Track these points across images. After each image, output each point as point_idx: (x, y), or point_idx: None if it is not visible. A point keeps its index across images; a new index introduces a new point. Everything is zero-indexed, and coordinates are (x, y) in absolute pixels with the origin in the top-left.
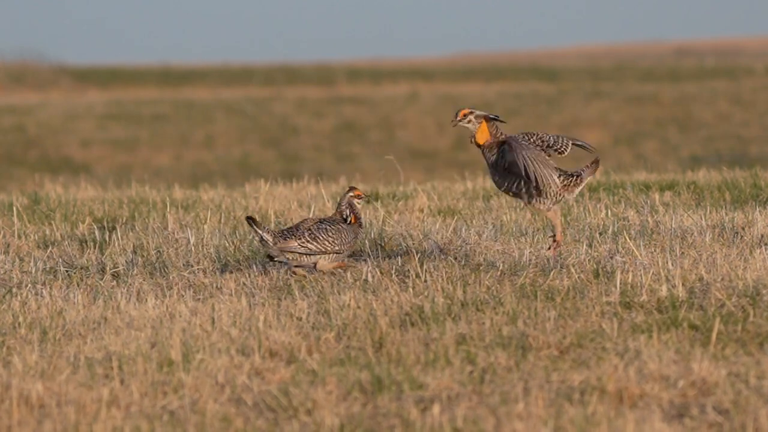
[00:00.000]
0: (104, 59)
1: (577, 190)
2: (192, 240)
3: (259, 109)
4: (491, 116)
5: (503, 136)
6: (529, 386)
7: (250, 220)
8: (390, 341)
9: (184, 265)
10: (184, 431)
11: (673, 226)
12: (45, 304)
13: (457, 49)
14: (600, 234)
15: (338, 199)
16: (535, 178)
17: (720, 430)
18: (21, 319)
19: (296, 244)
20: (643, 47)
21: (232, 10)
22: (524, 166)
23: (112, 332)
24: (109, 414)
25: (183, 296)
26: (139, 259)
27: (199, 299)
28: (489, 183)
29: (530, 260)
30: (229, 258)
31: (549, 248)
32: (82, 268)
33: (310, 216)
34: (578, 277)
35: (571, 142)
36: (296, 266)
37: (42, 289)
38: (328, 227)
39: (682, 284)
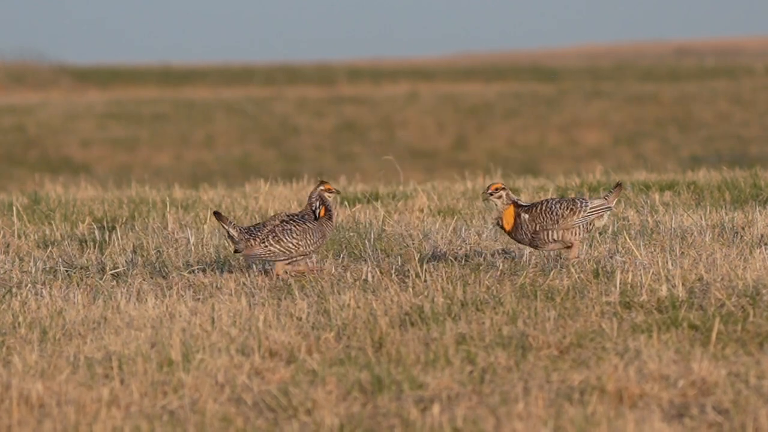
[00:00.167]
0: (104, 59)
1: (606, 216)
2: (192, 240)
3: (259, 108)
4: (519, 202)
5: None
6: (529, 386)
7: (217, 215)
8: (390, 341)
9: (183, 265)
10: (184, 431)
11: (673, 225)
12: (45, 303)
13: (458, 49)
14: (600, 234)
15: (309, 193)
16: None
17: (720, 429)
18: (21, 318)
19: (260, 250)
20: (643, 47)
21: (232, 10)
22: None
23: (111, 332)
24: (109, 414)
25: (183, 296)
26: (139, 259)
27: (198, 299)
28: (489, 181)
29: (530, 260)
30: (229, 258)
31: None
32: (81, 268)
33: (281, 212)
34: (578, 277)
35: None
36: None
37: (42, 288)
38: (293, 228)
39: (682, 284)
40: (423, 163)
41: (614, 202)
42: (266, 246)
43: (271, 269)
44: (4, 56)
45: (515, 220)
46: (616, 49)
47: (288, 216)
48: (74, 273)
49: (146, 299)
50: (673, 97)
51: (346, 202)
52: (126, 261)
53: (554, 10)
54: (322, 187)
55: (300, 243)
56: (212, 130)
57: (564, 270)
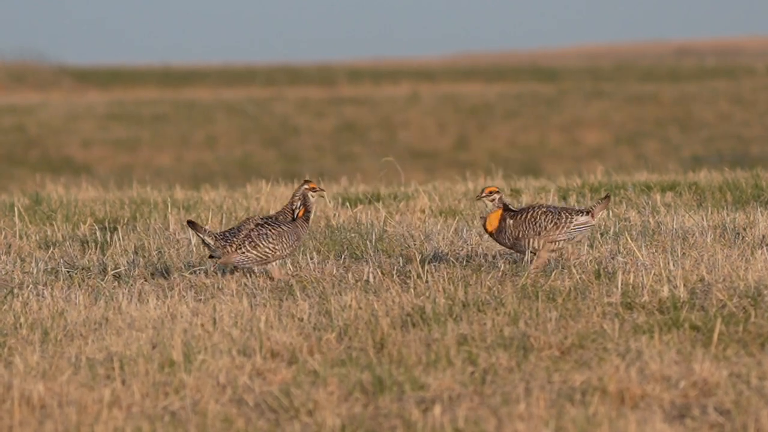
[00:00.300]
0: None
1: (582, 218)
2: (193, 241)
3: (260, 109)
4: (510, 207)
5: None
6: (530, 387)
7: (191, 224)
8: (391, 342)
9: (185, 265)
10: None
11: (675, 226)
12: (46, 304)
13: (458, 50)
14: (601, 235)
15: (293, 191)
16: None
17: (721, 430)
18: (22, 319)
19: (238, 257)
20: (643, 47)
21: (232, 10)
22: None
23: (113, 333)
24: (110, 414)
25: (184, 297)
26: (141, 259)
27: (200, 300)
28: (490, 184)
29: (531, 261)
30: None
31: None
32: (83, 269)
33: (255, 216)
34: (580, 278)
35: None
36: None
37: (43, 289)
38: (269, 232)
39: (684, 285)
40: (424, 163)
41: (599, 215)
42: (243, 252)
43: (267, 273)
44: (5, 56)
45: (500, 223)
46: (616, 49)
47: (262, 219)
48: (76, 274)
49: (148, 300)
50: (674, 97)
51: (347, 203)
52: (127, 262)
53: (554, 10)
54: (306, 186)
55: (276, 247)
56: (213, 130)
57: (565, 271)
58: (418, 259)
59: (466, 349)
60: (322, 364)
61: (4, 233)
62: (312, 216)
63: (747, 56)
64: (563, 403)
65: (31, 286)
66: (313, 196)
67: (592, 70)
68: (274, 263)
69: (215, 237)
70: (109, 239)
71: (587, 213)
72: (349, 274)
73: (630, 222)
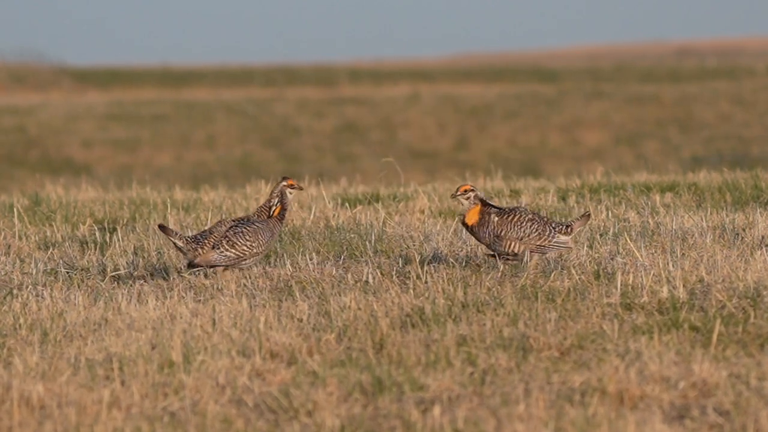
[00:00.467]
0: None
1: (563, 237)
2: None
3: (259, 109)
4: (488, 202)
5: (494, 219)
6: (529, 387)
7: (162, 228)
8: (391, 342)
9: (184, 266)
10: None
11: (674, 227)
12: (46, 305)
13: (458, 50)
14: (601, 235)
15: (271, 188)
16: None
17: (721, 431)
18: (22, 320)
19: (216, 255)
20: (643, 47)
21: (232, 10)
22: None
23: (112, 333)
24: (109, 415)
25: (184, 297)
26: (140, 260)
27: (199, 300)
28: (490, 184)
29: (531, 261)
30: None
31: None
32: (82, 270)
33: (226, 219)
34: (579, 279)
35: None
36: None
37: (43, 290)
38: (244, 230)
39: (683, 285)
40: (424, 163)
41: (578, 230)
42: (222, 251)
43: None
44: (5, 57)
45: (481, 217)
46: (616, 49)
47: (234, 221)
48: (75, 274)
49: (147, 301)
50: (674, 98)
51: (347, 204)
52: (127, 262)
53: (555, 10)
54: (285, 183)
55: (253, 244)
56: (213, 130)
57: (565, 271)
58: (417, 260)
59: (465, 349)
60: (322, 365)
61: (3, 234)
62: (287, 214)
63: (747, 57)
64: (562, 403)
65: (30, 286)
66: (291, 193)
67: (593, 70)
68: (249, 262)
69: (186, 240)
70: (108, 240)
71: (568, 227)
72: (349, 275)
73: (629, 222)
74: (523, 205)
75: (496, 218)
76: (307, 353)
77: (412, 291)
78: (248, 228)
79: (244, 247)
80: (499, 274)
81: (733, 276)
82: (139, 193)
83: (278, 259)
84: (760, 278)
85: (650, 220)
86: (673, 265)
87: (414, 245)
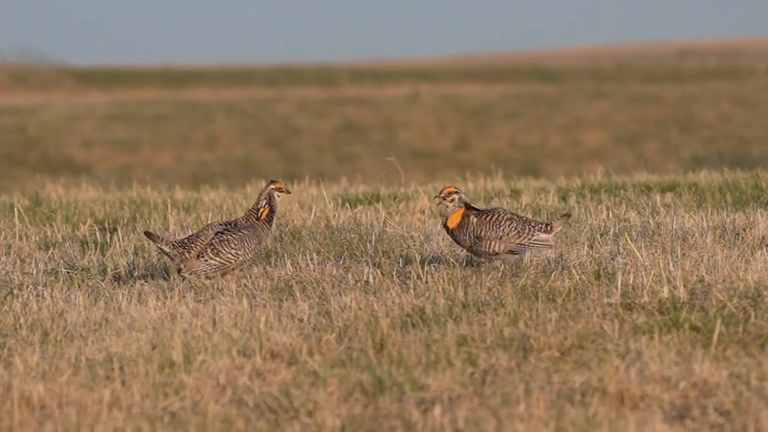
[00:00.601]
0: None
1: (543, 235)
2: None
3: (260, 109)
4: (472, 205)
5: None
6: (530, 387)
7: (148, 234)
8: (391, 342)
9: (174, 271)
10: None
11: (675, 227)
12: (46, 305)
13: (459, 50)
14: (601, 235)
15: (259, 191)
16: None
17: (721, 431)
18: (22, 320)
19: (202, 266)
20: (644, 48)
21: (233, 10)
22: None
23: (113, 333)
24: (110, 415)
25: (184, 297)
26: (141, 260)
27: (200, 300)
28: (490, 184)
29: (531, 261)
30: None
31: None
32: (83, 270)
33: (214, 222)
34: (579, 279)
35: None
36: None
37: (43, 290)
38: (230, 237)
39: (684, 285)
40: (424, 163)
41: (558, 229)
42: (206, 260)
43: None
44: (6, 57)
45: (462, 220)
46: (617, 50)
47: (221, 226)
48: (75, 274)
49: (147, 301)
50: (675, 98)
51: (347, 204)
52: (127, 262)
53: (555, 11)
54: (272, 186)
55: (239, 252)
56: (213, 130)
57: (565, 271)
58: (418, 260)
59: (465, 349)
60: (322, 365)
61: (3, 234)
62: (275, 217)
63: (748, 57)
64: (563, 403)
65: (30, 286)
66: (278, 196)
67: (594, 71)
68: (236, 269)
69: (172, 245)
70: (109, 240)
71: (548, 226)
72: (349, 275)
73: (630, 223)
74: (502, 207)
75: (475, 219)
76: (307, 353)
77: (412, 291)
78: (234, 235)
79: (229, 255)
80: (500, 274)
81: (733, 276)
82: (140, 193)
83: (279, 259)
84: (761, 278)
85: (651, 220)
86: (673, 265)
87: (414, 245)
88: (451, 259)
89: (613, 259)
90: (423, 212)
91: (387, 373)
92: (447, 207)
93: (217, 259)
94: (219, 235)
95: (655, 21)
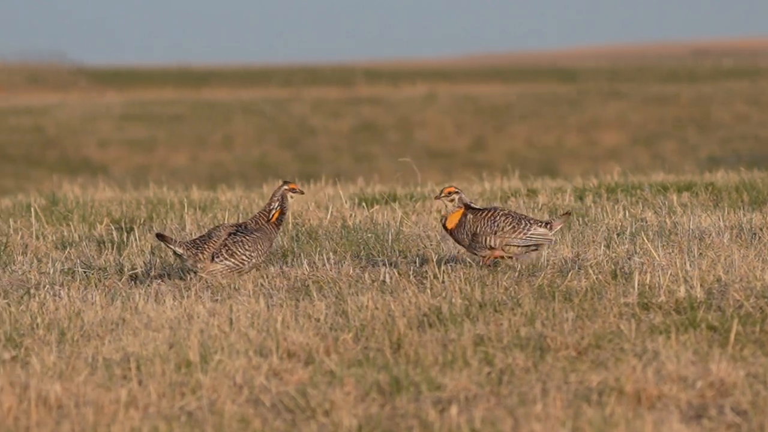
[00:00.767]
0: (122, 60)
1: (541, 230)
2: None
3: (277, 109)
4: (471, 205)
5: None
6: (547, 387)
7: (160, 236)
8: (408, 342)
9: (187, 270)
10: None
11: (691, 227)
12: (63, 305)
13: (475, 50)
14: (618, 235)
15: (273, 191)
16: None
17: (738, 430)
18: (39, 320)
19: (219, 267)
20: (660, 48)
21: (249, 11)
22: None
23: (130, 333)
24: (127, 415)
25: (201, 297)
26: (157, 260)
27: (216, 300)
28: (507, 184)
29: (548, 261)
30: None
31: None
32: (100, 269)
33: (224, 223)
34: (596, 278)
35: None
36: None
37: (60, 290)
38: (243, 239)
39: (700, 285)
40: (441, 163)
41: (558, 228)
42: (222, 260)
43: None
44: (23, 57)
45: (461, 219)
46: (633, 50)
47: (233, 227)
48: (92, 274)
49: (164, 300)
50: (691, 98)
51: (364, 204)
52: (144, 262)
53: (572, 10)
54: (286, 187)
55: (252, 254)
56: (230, 130)
57: (582, 271)
58: (434, 260)
59: (482, 349)
60: (339, 365)
61: (21, 233)
62: (285, 219)
63: (764, 57)
64: (580, 403)
65: (47, 286)
66: (291, 197)
67: (610, 70)
68: (247, 271)
69: (186, 246)
70: (125, 239)
71: (546, 225)
72: (366, 275)
73: (646, 222)
74: (503, 207)
75: (471, 216)
76: (324, 353)
77: (429, 291)
78: (247, 237)
79: (243, 257)
80: (516, 273)
81: (750, 275)
82: (156, 192)
83: (295, 259)
84: None
85: (667, 220)
86: (690, 265)
87: (431, 245)
88: (468, 259)
89: (629, 258)
90: (439, 212)
91: (404, 373)
92: (446, 206)
93: (232, 260)
94: (232, 236)
95: (670, 21)
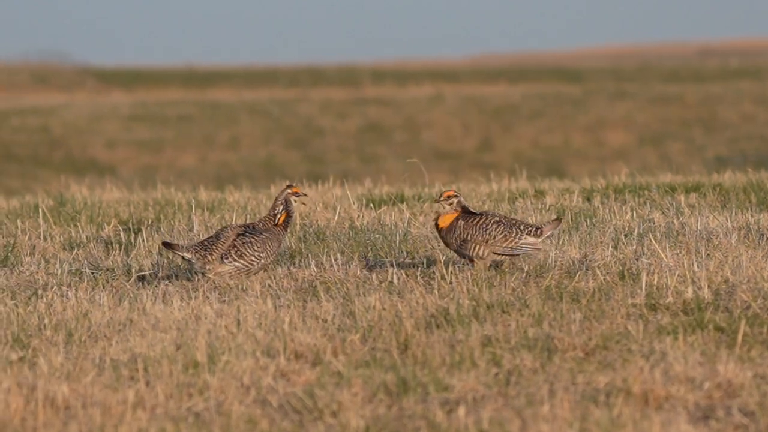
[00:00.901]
0: (129, 60)
1: (531, 239)
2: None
3: (283, 110)
4: (469, 209)
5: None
6: (554, 388)
7: (167, 245)
8: (415, 343)
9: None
10: None
11: (699, 227)
12: (70, 305)
13: (482, 50)
14: (625, 236)
15: (275, 195)
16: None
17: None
18: (47, 320)
19: (228, 268)
20: (666, 48)
21: (256, 12)
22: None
23: (137, 334)
24: (134, 416)
25: (208, 298)
26: (165, 260)
27: (224, 301)
28: (514, 185)
29: (555, 262)
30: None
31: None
32: (107, 270)
33: (232, 224)
34: (604, 279)
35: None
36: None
37: (67, 290)
38: (252, 240)
39: (708, 286)
40: (448, 164)
41: (548, 234)
42: (231, 261)
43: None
44: (30, 58)
45: (453, 222)
46: (639, 50)
47: (241, 228)
48: (100, 275)
49: (172, 301)
50: (698, 98)
51: (371, 204)
52: (152, 263)
53: (577, 11)
54: (289, 190)
55: (261, 255)
56: (237, 131)
57: (589, 272)
58: (442, 260)
59: (490, 350)
60: (346, 366)
61: (28, 234)
62: (292, 221)
63: None
64: (587, 404)
65: (55, 287)
66: (295, 201)
67: (616, 71)
68: (257, 272)
69: (194, 250)
70: (133, 240)
71: (537, 230)
72: (373, 276)
73: (654, 223)
74: (493, 210)
75: (462, 222)
76: (331, 354)
77: (436, 291)
78: (256, 238)
79: (253, 258)
80: (524, 275)
81: (758, 276)
82: (164, 193)
83: (303, 260)
84: None
85: (675, 221)
86: (698, 266)
87: (439, 246)
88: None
89: (637, 259)
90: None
91: (411, 374)
92: (444, 208)
93: (242, 261)
94: (241, 237)
95: (676, 21)
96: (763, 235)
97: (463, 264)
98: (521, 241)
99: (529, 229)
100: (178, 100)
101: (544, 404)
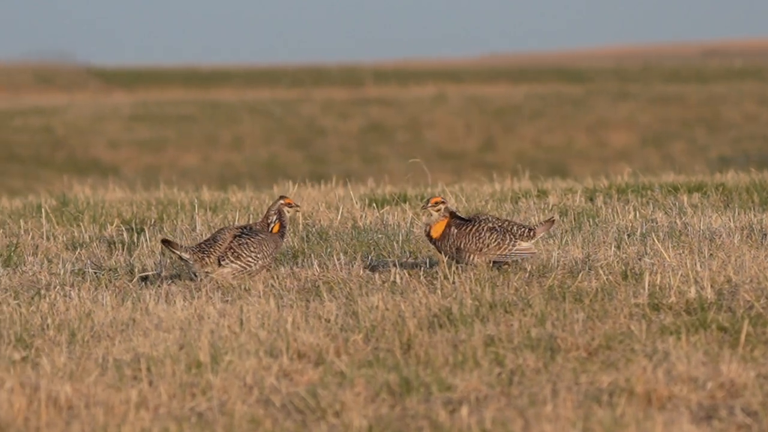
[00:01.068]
0: (131, 61)
1: (525, 244)
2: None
3: (286, 110)
4: (457, 214)
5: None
6: (557, 388)
7: (166, 242)
8: (418, 343)
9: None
10: None
11: (702, 227)
12: (73, 305)
13: (484, 50)
14: (628, 236)
15: (268, 205)
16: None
17: (748, 431)
18: (50, 320)
19: (227, 270)
20: (668, 48)
21: (258, 12)
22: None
23: (140, 334)
24: (137, 415)
25: (211, 298)
26: (168, 260)
27: (227, 301)
28: (517, 185)
29: (558, 262)
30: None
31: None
32: (110, 270)
33: (229, 226)
34: (607, 279)
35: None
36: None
37: (70, 290)
38: (248, 241)
39: (711, 286)
40: (450, 164)
41: (540, 235)
42: (228, 263)
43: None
44: (32, 58)
45: (445, 230)
46: (641, 50)
47: (238, 229)
48: (103, 275)
49: (175, 301)
50: (701, 98)
51: (374, 204)
52: (155, 263)
53: (580, 11)
54: (282, 201)
55: (258, 256)
56: (239, 131)
57: (592, 272)
58: (444, 260)
59: (493, 350)
60: (349, 365)
61: (31, 234)
62: (286, 231)
63: None
64: (590, 404)
65: (58, 287)
66: (288, 212)
67: (619, 71)
68: (256, 272)
69: (192, 251)
70: (136, 240)
71: (530, 231)
72: (376, 275)
73: (657, 223)
74: (486, 214)
75: (455, 230)
76: (334, 353)
77: (439, 291)
78: (253, 239)
79: (250, 259)
80: (527, 274)
81: (760, 276)
82: (167, 193)
83: (306, 260)
84: None
85: (678, 221)
86: (700, 266)
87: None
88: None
89: (640, 259)
90: (421, 218)
91: (414, 374)
92: (432, 215)
93: (239, 262)
94: (237, 238)
95: (679, 21)
96: (766, 234)
97: (466, 264)
98: (515, 248)
99: (522, 231)
100: (179, 100)
101: (547, 404)
